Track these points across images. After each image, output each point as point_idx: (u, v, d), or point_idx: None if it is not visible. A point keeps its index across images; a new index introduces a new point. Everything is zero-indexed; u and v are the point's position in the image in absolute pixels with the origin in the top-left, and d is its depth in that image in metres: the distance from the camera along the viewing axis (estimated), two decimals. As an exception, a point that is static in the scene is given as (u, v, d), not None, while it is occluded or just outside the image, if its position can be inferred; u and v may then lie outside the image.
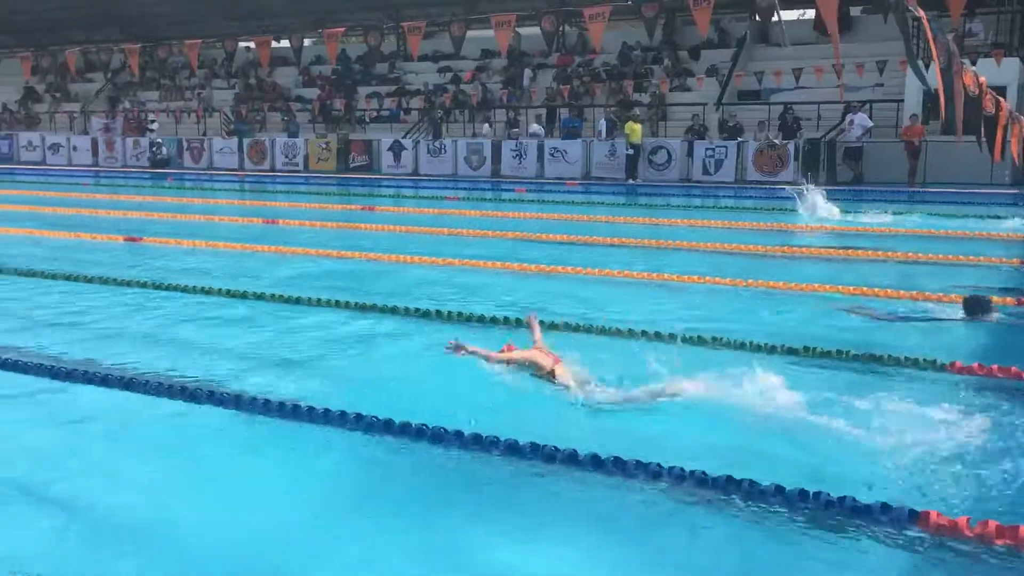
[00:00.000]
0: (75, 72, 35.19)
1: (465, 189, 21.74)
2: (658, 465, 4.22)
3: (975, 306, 7.45)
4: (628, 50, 28.55)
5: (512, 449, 4.52)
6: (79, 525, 4.02)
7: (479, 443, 4.62)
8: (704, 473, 4.15)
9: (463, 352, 5.74)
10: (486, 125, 26.87)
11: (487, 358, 5.71)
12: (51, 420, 5.33)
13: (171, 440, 4.98)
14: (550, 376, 5.49)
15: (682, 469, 4.18)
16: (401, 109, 29.09)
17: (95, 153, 31.14)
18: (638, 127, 22.94)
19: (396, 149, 26.44)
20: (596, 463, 4.33)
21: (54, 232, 13.42)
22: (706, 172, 22.72)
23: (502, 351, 5.77)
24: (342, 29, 30.47)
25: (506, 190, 21.34)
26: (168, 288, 8.88)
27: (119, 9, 36.06)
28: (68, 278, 9.40)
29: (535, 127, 25.88)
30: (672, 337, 6.58)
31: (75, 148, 31.62)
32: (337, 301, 8.06)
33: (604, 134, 24.12)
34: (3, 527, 3.92)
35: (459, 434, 4.69)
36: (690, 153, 23.09)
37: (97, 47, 36.15)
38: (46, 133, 33.07)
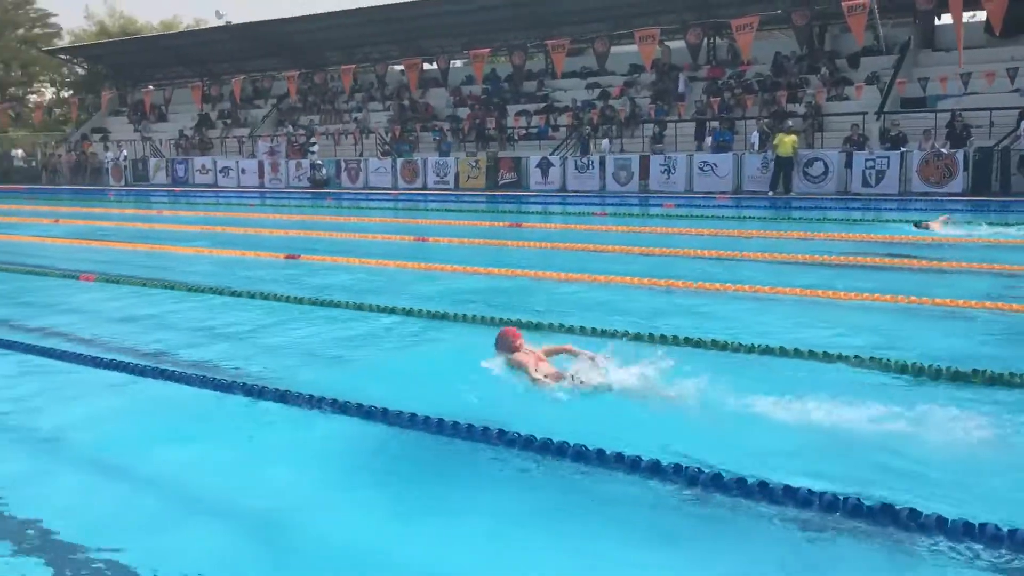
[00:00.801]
0: (242, 99, 37.48)
1: (613, 205, 21.63)
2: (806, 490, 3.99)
3: None
4: (782, 60, 27.75)
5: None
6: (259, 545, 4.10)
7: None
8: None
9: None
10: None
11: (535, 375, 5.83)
12: (227, 432, 5.55)
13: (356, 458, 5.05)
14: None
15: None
16: (549, 126, 29.30)
17: (261, 175, 32.89)
18: (789, 139, 22.21)
19: (544, 166, 26.64)
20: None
21: (223, 250, 14.18)
22: (866, 184, 21.73)
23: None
24: (488, 50, 31.14)
25: (654, 205, 21.09)
26: (322, 304, 9.18)
27: (283, 39, 38.09)
28: (233, 294, 9.88)
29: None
30: (832, 355, 6.27)
31: (243, 171, 33.51)
32: (483, 317, 8.12)
33: (757, 146, 23.49)
34: (191, 544, 3.96)
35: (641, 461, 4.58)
36: (849, 164, 22.16)
37: (262, 75, 38.34)
38: (217, 157, 35.20)
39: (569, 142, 27.87)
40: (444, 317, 8.30)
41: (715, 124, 25.73)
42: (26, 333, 8.16)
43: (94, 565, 3.70)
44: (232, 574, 3.70)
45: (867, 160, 21.86)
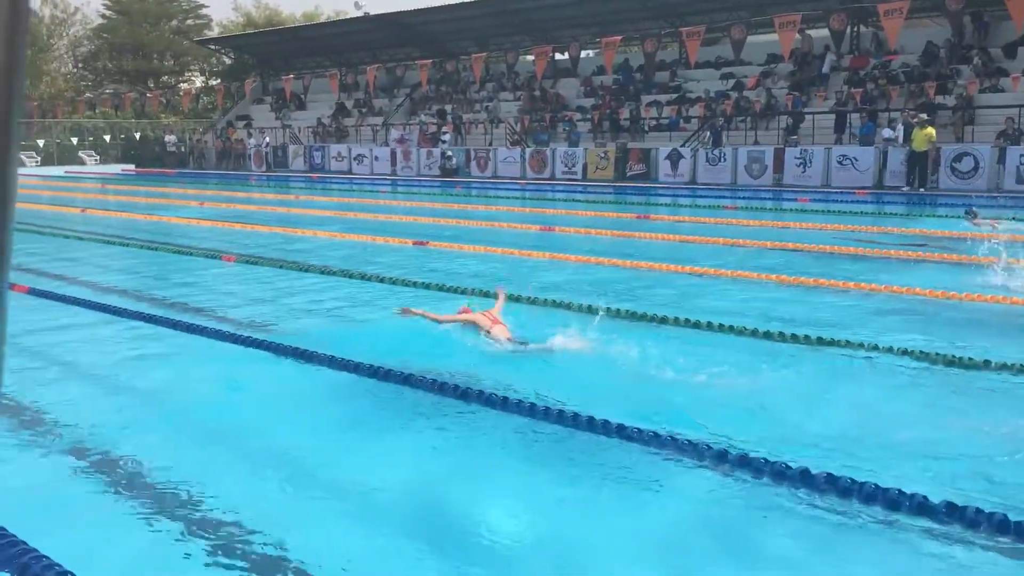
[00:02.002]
0: (377, 88, 38.46)
1: (744, 199, 21.13)
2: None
3: None
4: (934, 49, 26.42)
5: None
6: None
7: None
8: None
9: (409, 315, 7.24)
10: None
11: (437, 320, 7.10)
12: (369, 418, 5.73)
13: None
14: (487, 334, 6.80)
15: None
16: (681, 117, 28.84)
17: (393, 163, 33.68)
18: (924, 133, 21.22)
19: (674, 157, 26.26)
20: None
21: (355, 235, 14.61)
22: (1020, 181, 20.48)
23: (457, 314, 7.10)
24: (619, 38, 30.89)
25: (788, 199, 20.49)
26: (449, 290, 9.33)
27: (417, 29, 38.85)
28: (362, 277, 10.18)
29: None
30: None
31: (376, 158, 34.39)
32: (608, 309, 8.09)
33: (902, 139, 22.47)
34: (330, 535, 4.01)
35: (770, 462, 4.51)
36: (1001, 160, 20.92)
37: (396, 64, 39.24)
38: (352, 145, 36.23)
39: (701, 134, 27.35)
40: (568, 307, 8.32)
41: (856, 116, 24.76)
42: (171, 309, 8.64)
43: (257, 548, 3.91)
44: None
45: (1022, 156, 20.60)
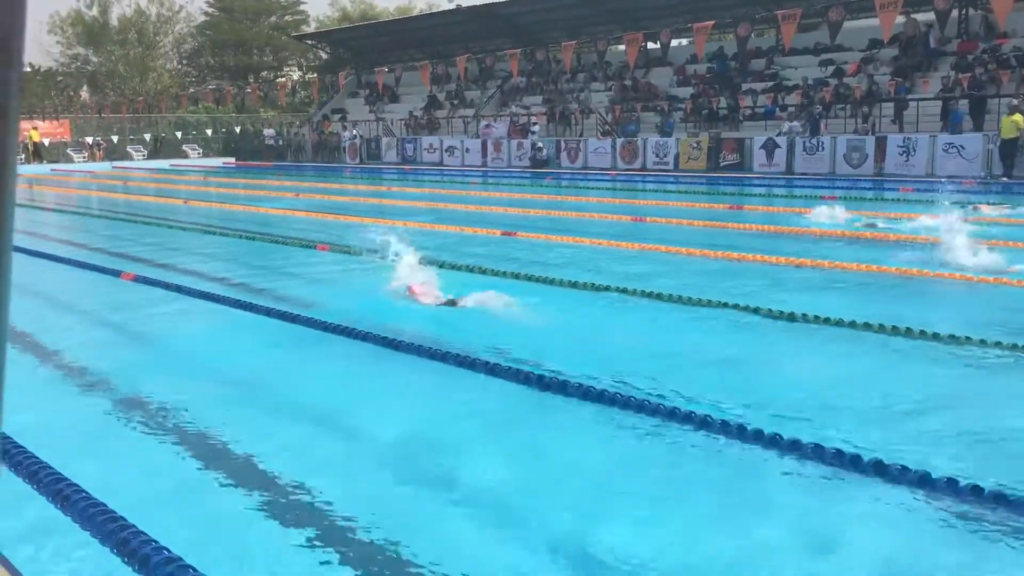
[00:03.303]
0: (467, 80, 38.72)
1: (843, 188, 20.54)
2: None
3: None
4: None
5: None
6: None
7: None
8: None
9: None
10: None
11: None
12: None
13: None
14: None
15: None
16: (777, 105, 28.20)
17: (484, 155, 33.89)
18: (1010, 120, 20.46)
19: (769, 147, 25.70)
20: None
21: (446, 226, 14.77)
22: None
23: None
24: (711, 23, 30.33)
25: (889, 189, 19.83)
26: (537, 280, 9.36)
27: (509, 20, 38.97)
28: (453, 267, 10.28)
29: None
30: None
31: (467, 150, 34.65)
32: (699, 299, 8.00)
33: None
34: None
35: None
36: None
37: (487, 55, 39.43)
38: (444, 137, 36.61)
39: (798, 122, 26.66)
40: (659, 297, 8.26)
41: (963, 102, 23.79)
42: (266, 296, 8.91)
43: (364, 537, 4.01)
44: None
45: None
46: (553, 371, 5.86)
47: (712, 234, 13.17)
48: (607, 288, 8.71)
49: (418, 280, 8.50)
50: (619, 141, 29.68)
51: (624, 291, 8.55)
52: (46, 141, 40.71)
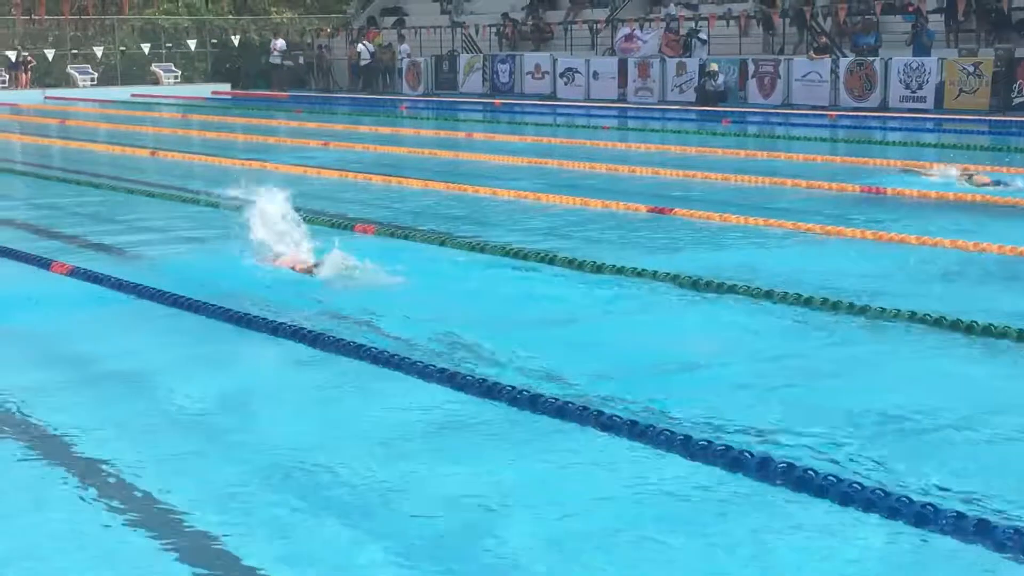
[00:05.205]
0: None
1: None
2: None
3: None
4: None
5: None
6: None
7: None
8: None
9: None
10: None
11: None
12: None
13: None
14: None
15: None
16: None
17: (621, 83, 33.51)
18: None
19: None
20: None
21: (560, 196, 14.55)
22: None
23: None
24: None
25: None
26: (704, 286, 8.99)
27: None
28: (569, 263, 10.02)
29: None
30: None
31: (595, 74, 34.42)
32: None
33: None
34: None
35: None
36: None
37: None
38: (558, 54, 36.32)
39: None
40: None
41: None
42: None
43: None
44: None
45: None
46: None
47: None
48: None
49: None
50: (844, 62, 29.04)
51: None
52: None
